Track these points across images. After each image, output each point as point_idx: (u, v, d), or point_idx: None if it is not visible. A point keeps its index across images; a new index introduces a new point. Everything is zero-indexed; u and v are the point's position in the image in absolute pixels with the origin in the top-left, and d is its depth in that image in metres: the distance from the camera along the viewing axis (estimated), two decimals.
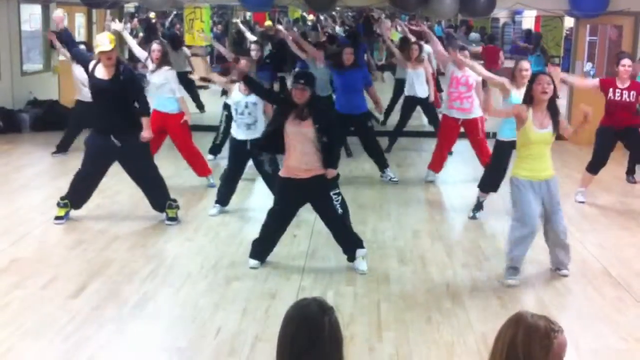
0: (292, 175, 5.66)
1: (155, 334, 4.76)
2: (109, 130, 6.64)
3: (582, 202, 8.10)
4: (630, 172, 9.19)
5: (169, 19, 23.53)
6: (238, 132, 7.09)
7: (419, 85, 10.43)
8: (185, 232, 6.79)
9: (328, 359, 2.35)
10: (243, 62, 7.15)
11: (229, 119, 8.12)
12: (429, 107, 10.74)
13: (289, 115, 5.57)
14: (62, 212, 6.95)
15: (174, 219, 6.99)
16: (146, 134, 6.74)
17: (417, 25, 12.86)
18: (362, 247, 5.90)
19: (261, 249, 5.91)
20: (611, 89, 7.92)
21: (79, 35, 14.23)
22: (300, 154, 5.58)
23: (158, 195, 6.98)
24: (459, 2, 10.45)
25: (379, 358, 4.44)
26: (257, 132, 6.93)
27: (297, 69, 8.60)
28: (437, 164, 8.93)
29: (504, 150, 7.22)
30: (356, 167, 9.67)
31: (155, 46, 7.99)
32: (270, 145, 5.96)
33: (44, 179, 8.83)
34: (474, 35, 19.39)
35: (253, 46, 9.97)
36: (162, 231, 6.80)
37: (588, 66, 12.43)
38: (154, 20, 23.52)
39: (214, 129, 9.80)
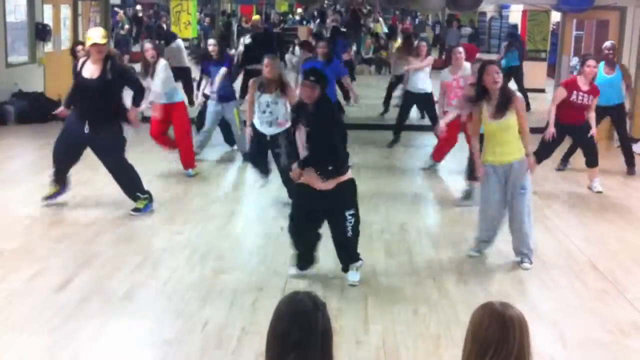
0: (310, 184, 5.29)
1: (142, 327, 4.74)
2: (87, 119, 6.72)
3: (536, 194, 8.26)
4: (564, 161, 9.31)
5: (151, 11, 23.45)
6: (260, 125, 7.20)
7: (423, 80, 10.35)
8: (173, 226, 6.76)
9: (319, 355, 2.34)
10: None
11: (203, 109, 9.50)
12: (431, 103, 10.63)
13: (299, 118, 5.29)
14: (51, 192, 7.09)
15: (137, 209, 6.99)
16: (135, 125, 6.90)
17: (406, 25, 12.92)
18: (357, 260, 5.54)
19: (303, 260, 5.57)
20: (575, 92, 7.99)
21: (64, 26, 14.14)
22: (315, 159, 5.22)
23: (129, 186, 7.02)
24: None
25: (366, 351, 4.45)
26: (277, 129, 7.06)
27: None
28: (439, 154, 9.17)
29: None
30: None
31: (147, 45, 8.17)
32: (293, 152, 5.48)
33: (29, 171, 8.76)
34: (465, 30, 19.47)
35: (210, 41, 9.89)
36: (149, 224, 6.77)
37: (574, 60, 12.49)
38: (140, 14, 23.40)
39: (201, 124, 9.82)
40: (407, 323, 4.81)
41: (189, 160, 8.64)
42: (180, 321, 4.76)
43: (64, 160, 7.03)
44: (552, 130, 8.01)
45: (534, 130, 9.78)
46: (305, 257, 5.56)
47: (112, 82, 6.65)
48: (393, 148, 10.59)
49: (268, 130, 7.14)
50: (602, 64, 8.92)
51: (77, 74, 6.75)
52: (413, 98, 10.53)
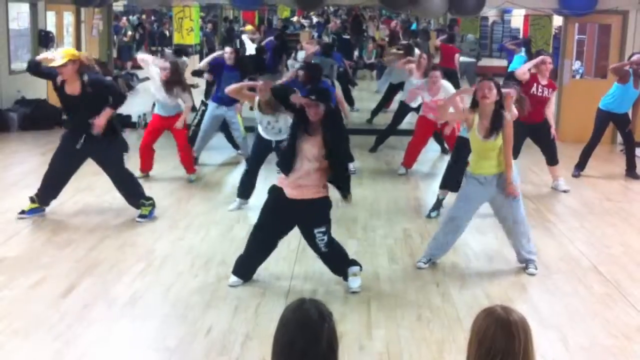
0: (285, 187, 5.27)
1: (146, 333, 4.74)
2: (82, 131, 6.76)
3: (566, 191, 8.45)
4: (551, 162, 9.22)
5: (153, 17, 23.55)
6: (265, 134, 7.24)
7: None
8: (176, 231, 6.77)
9: None
10: (261, 84, 6.97)
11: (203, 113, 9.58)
12: None
13: (300, 128, 5.23)
14: (28, 208, 7.04)
15: (144, 216, 7.04)
16: (100, 122, 6.72)
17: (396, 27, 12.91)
18: (353, 265, 5.50)
19: (244, 268, 5.52)
20: (535, 84, 8.23)
21: (67, 33, 14.18)
22: (300, 170, 5.20)
23: (131, 194, 7.08)
24: (448, 1, 10.47)
25: (370, 356, 4.45)
26: (283, 135, 7.01)
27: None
28: (410, 160, 9.30)
29: (465, 146, 7.30)
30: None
31: (164, 64, 8.38)
32: (285, 162, 5.32)
33: (33, 178, 8.75)
34: (470, 37, 19.47)
35: (227, 49, 9.91)
36: (152, 230, 6.78)
37: (577, 64, 12.49)
38: (143, 23, 23.50)
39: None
40: (410, 328, 4.81)
41: (189, 165, 8.75)
42: (184, 327, 4.77)
43: (57, 176, 7.01)
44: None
45: None
46: (250, 267, 5.50)
47: (94, 95, 6.69)
48: (393, 153, 10.57)
49: (275, 138, 7.16)
50: (632, 78, 8.98)
51: (58, 88, 6.79)
52: (408, 109, 10.47)
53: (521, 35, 19.19)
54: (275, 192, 5.35)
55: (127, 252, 6.17)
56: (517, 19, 21.71)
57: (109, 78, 7.30)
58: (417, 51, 11.61)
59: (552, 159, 8.53)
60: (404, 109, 10.61)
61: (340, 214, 7.44)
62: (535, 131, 8.37)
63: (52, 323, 4.75)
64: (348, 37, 20.05)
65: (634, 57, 9.25)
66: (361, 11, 21.68)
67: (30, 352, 4.41)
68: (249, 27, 18.67)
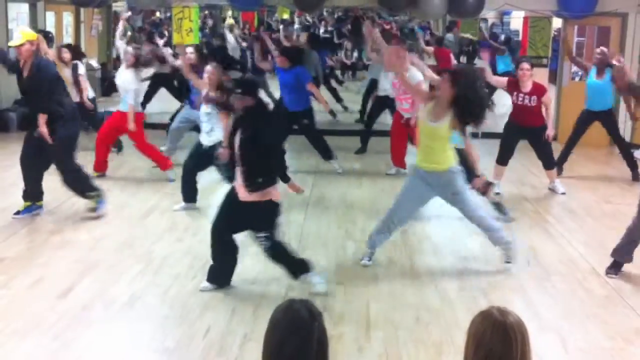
0: (238, 188, 5.19)
1: (144, 334, 4.73)
2: (34, 122, 6.79)
3: (499, 194, 8.25)
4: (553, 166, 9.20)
5: (142, 17, 23.59)
6: (201, 137, 7.34)
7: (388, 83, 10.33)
8: (175, 232, 6.76)
9: None
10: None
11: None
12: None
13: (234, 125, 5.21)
14: (22, 207, 7.07)
15: (93, 209, 7.11)
16: (42, 129, 6.72)
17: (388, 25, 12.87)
18: (304, 272, 5.37)
19: (218, 277, 5.46)
20: (515, 93, 8.12)
21: (67, 34, 14.18)
22: (240, 169, 5.14)
23: (78, 187, 7.06)
24: (448, 3, 10.47)
25: (368, 358, 4.44)
26: (214, 138, 7.09)
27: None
28: (397, 158, 9.33)
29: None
30: (345, 167, 9.67)
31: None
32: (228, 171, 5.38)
33: None
34: (449, 36, 19.48)
35: (188, 49, 9.91)
36: (150, 231, 6.78)
37: (607, 71, 12.51)
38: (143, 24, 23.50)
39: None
40: (409, 330, 4.81)
41: (163, 162, 8.74)
42: (182, 328, 4.76)
43: (31, 168, 7.02)
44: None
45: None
46: (220, 273, 5.44)
47: (39, 79, 6.67)
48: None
49: (206, 140, 7.23)
50: (594, 68, 9.13)
51: (19, 76, 6.80)
52: (385, 102, 10.37)
53: (520, 37, 19.18)
54: (229, 193, 5.31)
55: (125, 253, 6.17)
56: (516, 21, 21.69)
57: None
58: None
59: (547, 163, 8.50)
60: (381, 103, 10.50)
61: (339, 216, 7.45)
62: (529, 135, 8.34)
63: (50, 323, 4.74)
64: (329, 35, 20.58)
65: (597, 49, 9.44)
66: (361, 13, 21.68)
67: (28, 352, 4.40)
68: (230, 21, 18.76)
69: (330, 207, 7.78)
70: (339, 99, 14.46)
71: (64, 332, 4.64)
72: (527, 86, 8.06)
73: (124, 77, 8.55)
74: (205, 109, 7.14)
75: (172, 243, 6.47)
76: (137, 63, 8.60)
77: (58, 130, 6.81)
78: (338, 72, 20.06)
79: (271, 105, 10.73)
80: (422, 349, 4.55)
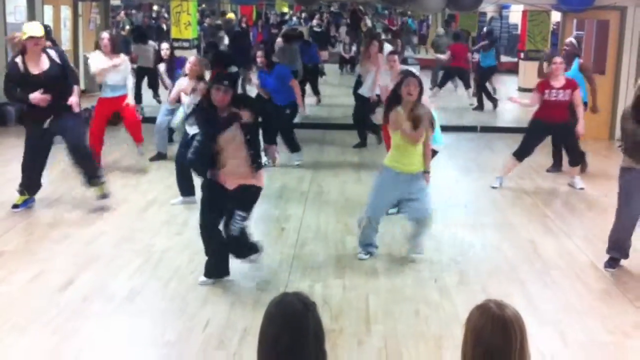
0: (221, 182, 5.25)
1: (144, 328, 4.74)
2: (48, 114, 6.83)
3: (496, 188, 8.37)
4: (557, 165, 9.31)
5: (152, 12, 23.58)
6: (187, 126, 7.28)
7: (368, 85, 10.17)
8: (174, 226, 6.76)
9: (312, 356, 2.32)
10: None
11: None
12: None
13: (216, 124, 5.14)
14: (19, 201, 7.10)
15: (103, 195, 7.24)
16: (77, 100, 6.98)
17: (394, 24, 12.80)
18: (257, 252, 5.67)
19: (215, 270, 5.47)
20: (546, 91, 8.05)
21: (65, 27, 14.14)
22: (234, 163, 5.18)
23: (89, 168, 7.16)
24: None
25: (368, 351, 4.45)
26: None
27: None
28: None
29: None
30: (344, 161, 9.67)
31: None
32: (203, 166, 5.30)
33: None
34: (440, 30, 19.52)
35: (163, 45, 9.99)
36: (150, 225, 6.78)
37: (575, 61, 12.46)
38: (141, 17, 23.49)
39: None
40: (408, 324, 4.81)
41: (139, 135, 9.08)
42: (182, 322, 4.77)
43: (36, 169, 7.08)
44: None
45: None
46: (217, 266, 5.44)
47: (64, 66, 6.91)
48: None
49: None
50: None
51: (20, 72, 6.70)
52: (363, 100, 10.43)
53: (519, 31, 19.18)
54: (210, 185, 5.33)
55: (124, 247, 6.17)
56: (515, 14, 21.67)
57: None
58: (388, 46, 11.42)
59: (574, 160, 8.46)
60: (366, 102, 10.42)
61: (338, 211, 7.45)
62: (559, 130, 8.30)
63: (50, 317, 4.74)
64: (320, 29, 20.93)
65: (566, 40, 9.57)
66: (359, 6, 21.69)
67: (28, 346, 4.40)
68: (230, 15, 18.89)
69: (329, 202, 7.78)
70: (316, 92, 14.51)
71: (64, 326, 4.64)
72: (560, 80, 8.03)
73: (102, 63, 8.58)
74: (189, 99, 7.09)
75: (171, 237, 6.47)
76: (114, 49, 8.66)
77: (77, 116, 7.05)
78: (336, 66, 20.12)
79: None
80: (421, 343, 4.55)
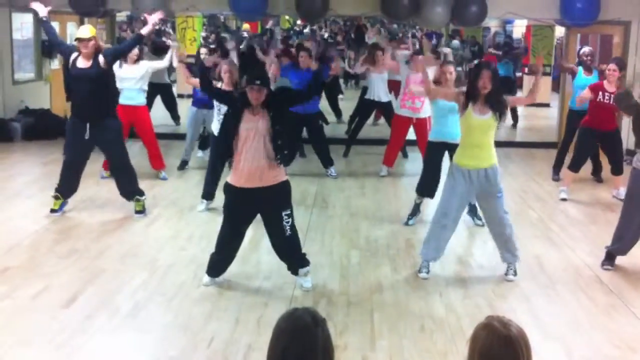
0: (244, 185, 5.29)
1: (148, 344, 4.73)
2: (87, 117, 7.04)
3: (565, 200, 8.45)
4: (597, 172, 9.47)
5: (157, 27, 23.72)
6: (213, 125, 7.55)
7: (380, 89, 10.42)
8: (178, 241, 6.77)
9: None
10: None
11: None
12: (390, 112, 10.39)
13: (242, 113, 5.26)
14: (56, 205, 7.32)
15: (140, 212, 7.42)
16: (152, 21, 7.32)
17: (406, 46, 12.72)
18: (306, 265, 5.62)
19: (218, 268, 5.65)
20: (600, 92, 8.27)
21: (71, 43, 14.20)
22: (254, 155, 5.21)
23: (127, 182, 7.38)
24: (450, 11, 10.50)
25: None
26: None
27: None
28: (389, 159, 9.59)
29: (434, 150, 7.38)
30: (349, 175, 9.67)
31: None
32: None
33: (36, 188, 8.78)
34: (455, 42, 19.56)
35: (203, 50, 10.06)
36: (154, 240, 6.78)
37: (595, 71, 12.53)
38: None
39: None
40: (414, 339, 4.80)
41: (158, 161, 9.07)
42: (186, 337, 4.76)
43: (75, 174, 7.27)
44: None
45: (540, 145, 9.68)
46: (220, 265, 5.62)
47: (106, 68, 7.06)
48: (397, 162, 10.56)
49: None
50: (580, 68, 9.45)
51: (71, 66, 7.08)
52: (372, 106, 10.72)
53: (522, 44, 19.20)
54: (234, 191, 5.40)
55: (129, 262, 6.17)
56: (519, 29, 21.72)
57: None
58: (404, 52, 11.51)
59: (617, 169, 8.58)
60: (370, 106, 10.78)
61: (343, 224, 7.44)
62: (605, 139, 8.50)
63: (54, 333, 4.74)
64: (333, 40, 21.09)
65: (584, 50, 9.74)
66: (364, 22, 21.74)
67: None
68: (245, 26, 19.00)
69: (334, 216, 7.77)
70: (338, 114, 14.46)
71: (68, 341, 4.63)
72: (614, 87, 8.24)
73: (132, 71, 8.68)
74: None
75: (175, 252, 6.47)
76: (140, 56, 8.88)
77: (113, 122, 7.23)
78: (341, 81, 20.12)
79: None
80: (427, 358, 4.53)
